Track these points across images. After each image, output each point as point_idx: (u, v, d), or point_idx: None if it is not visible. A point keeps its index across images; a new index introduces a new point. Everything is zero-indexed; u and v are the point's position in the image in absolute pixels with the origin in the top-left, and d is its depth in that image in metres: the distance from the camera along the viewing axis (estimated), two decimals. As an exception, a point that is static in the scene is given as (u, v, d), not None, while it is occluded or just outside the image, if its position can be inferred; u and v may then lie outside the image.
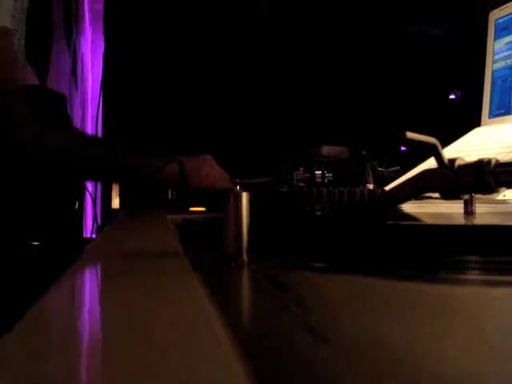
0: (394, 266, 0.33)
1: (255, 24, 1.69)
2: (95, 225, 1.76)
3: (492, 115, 1.25)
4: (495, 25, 1.28)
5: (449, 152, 1.10)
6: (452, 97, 1.73)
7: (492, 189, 0.34)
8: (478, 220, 0.58)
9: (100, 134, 1.71)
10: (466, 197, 0.59)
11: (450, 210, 0.70)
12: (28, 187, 1.12)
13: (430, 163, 0.36)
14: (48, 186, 1.26)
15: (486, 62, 1.28)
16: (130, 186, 1.47)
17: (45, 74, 1.38)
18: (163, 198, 0.98)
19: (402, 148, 1.52)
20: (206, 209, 0.82)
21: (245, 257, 0.32)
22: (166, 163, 0.91)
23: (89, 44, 2.27)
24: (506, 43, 1.24)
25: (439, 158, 0.36)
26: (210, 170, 0.97)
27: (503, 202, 0.88)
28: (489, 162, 0.34)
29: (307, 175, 0.84)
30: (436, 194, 0.37)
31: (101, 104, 1.68)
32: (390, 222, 0.41)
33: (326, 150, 0.85)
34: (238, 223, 0.32)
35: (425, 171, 0.37)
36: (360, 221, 0.41)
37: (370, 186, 0.79)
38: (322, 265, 0.33)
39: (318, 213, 0.60)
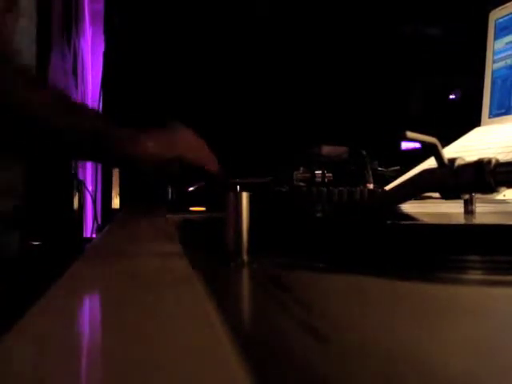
0: (394, 265, 0.33)
1: (255, 24, 1.69)
2: (95, 225, 1.76)
3: (492, 115, 1.25)
4: (495, 25, 1.28)
5: (449, 152, 1.10)
6: (452, 97, 1.73)
7: (492, 188, 0.34)
8: (478, 219, 0.58)
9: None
10: (466, 196, 0.59)
11: (450, 210, 0.70)
12: (28, 186, 1.12)
13: (430, 163, 0.36)
14: (47, 185, 1.26)
15: (486, 61, 1.28)
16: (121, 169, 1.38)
17: (45, 74, 1.38)
18: (163, 197, 0.98)
19: (403, 148, 1.52)
20: (206, 209, 0.82)
21: (245, 257, 0.32)
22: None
23: (89, 44, 2.27)
24: (506, 43, 1.24)
25: (439, 158, 0.36)
26: (183, 139, 0.87)
27: (503, 201, 0.88)
28: (489, 161, 0.34)
29: (307, 175, 0.84)
30: (436, 194, 0.37)
31: (101, 104, 1.68)
32: (389, 222, 0.41)
33: (326, 149, 0.84)
34: (238, 223, 0.32)
35: (425, 171, 0.37)
36: (360, 221, 0.41)
37: (370, 186, 0.79)
38: (322, 265, 0.33)
39: (318, 213, 0.60)
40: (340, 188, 0.64)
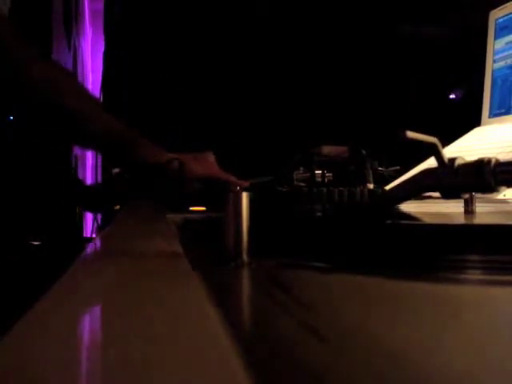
0: (394, 265, 0.33)
1: (255, 23, 1.69)
2: (95, 224, 1.76)
3: (492, 115, 1.25)
4: (495, 24, 1.28)
5: (449, 151, 1.09)
6: (452, 96, 1.73)
7: (492, 188, 0.34)
8: (479, 219, 0.58)
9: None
10: (466, 196, 0.59)
11: (450, 210, 0.70)
12: (28, 186, 1.12)
13: (430, 163, 0.36)
14: (48, 185, 1.26)
15: (486, 61, 1.28)
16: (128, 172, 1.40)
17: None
18: (163, 197, 0.98)
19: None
20: (206, 209, 0.82)
21: (245, 257, 0.32)
22: (168, 162, 0.89)
23: (89, 44, 2.27)
24: (506, 43, 1.24)
25: (439, 158, 0.36)
26: (210, 162, 0.94)
27: (503, 201, 0.88)
28: (489, 161, 0.34)
29: (307, 175, 0.84)
30: (436, 194, 0.37)
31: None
32: (389, 222, 0.41)
33: (326, 149, 0.84)
34: (237, 223, 0.32)
35: (425, 171, 0.37)
36: (360, 221, 0.41)
37: (370, 186, 0.78)
38: (322, 265, 0.33)
39: (318, 213, 0.60)
40: (340, 188, 0.64)
